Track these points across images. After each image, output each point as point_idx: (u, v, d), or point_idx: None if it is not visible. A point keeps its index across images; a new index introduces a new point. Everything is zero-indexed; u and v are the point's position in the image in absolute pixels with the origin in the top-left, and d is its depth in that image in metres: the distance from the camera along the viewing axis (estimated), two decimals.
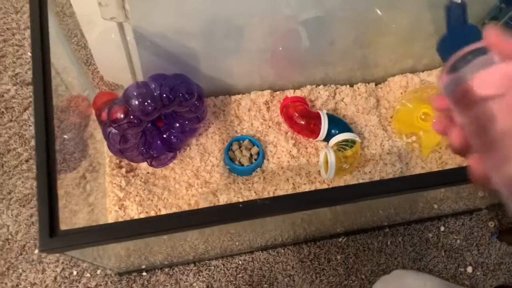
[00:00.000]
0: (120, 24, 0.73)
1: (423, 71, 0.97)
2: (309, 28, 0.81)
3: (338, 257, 0.90)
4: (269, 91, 0.91)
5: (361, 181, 0.83)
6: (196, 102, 0.78)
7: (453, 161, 0.91)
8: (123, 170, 0.81)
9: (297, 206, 0.47)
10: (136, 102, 0.71)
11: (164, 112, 0.75)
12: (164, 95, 0.72)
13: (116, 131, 0.74)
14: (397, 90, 0.95)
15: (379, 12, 0.81)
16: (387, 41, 0.89)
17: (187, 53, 0.77)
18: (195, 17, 0.71)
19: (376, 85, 0.97)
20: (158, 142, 0.82)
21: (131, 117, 0.72)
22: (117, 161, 0.82)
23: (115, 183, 0.79)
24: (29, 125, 0.91)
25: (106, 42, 0.79)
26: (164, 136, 0.82)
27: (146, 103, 0.71)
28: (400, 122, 0.92)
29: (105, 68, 0.90)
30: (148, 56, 0.76)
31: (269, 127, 0.88)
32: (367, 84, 0.96)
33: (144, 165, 0.83)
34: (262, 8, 0.74)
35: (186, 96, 0.75)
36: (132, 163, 0.84)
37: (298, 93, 0.92)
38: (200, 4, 0.69)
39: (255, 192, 0.82)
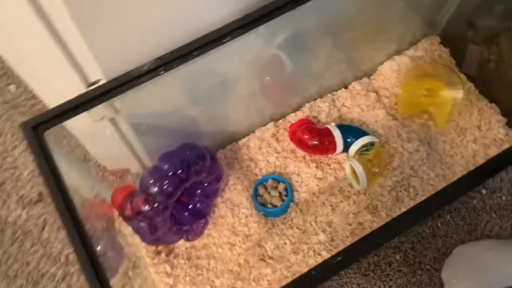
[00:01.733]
0: (111, 119, 0.71)
1: (408, 49, 0.96)
2: (287, 50, 0.80)
3: (397, 257, 0.88)
4: (271, 123, 0.90)
5: (394, 178, 0.82)
6: (210, 164, 0.76)
7: (470, 123, 0.89)
8: (163, 254, 0.79)
9: (370, 247, 0.45)
10: (156, 189, 0.69)
11: (185, 187, 0.73)
12: (179, 171, 0.70)
13: (144, 223, 0.72)
14: (391, 75, 0.94)
15: (347, 10, 0.80)
16: (365, 33, 0.88)
17: (184, 121, 0.76)
18: (180, 90, 0.70)
19: (369, 78, 0.96)
20: (186, 214, 0.80)
21: (155, 204, 0.70)
22: (153, 248, 0.80)
23: (160, 272, 0.77)
24: (53, 242, 0.89)
25: (102, 139, 0.77)
26: (190, 206, 0.80)
27: (165, 186, 0.69)
28: (406, 105, 0.91)
29: (107, 160, 0.87)
30: (149, 138, 0.74)
31: (285, 157, 0.87)
32: (360, 80, 0.95)
33: (181, 242, 0.81)
34: (235, 49, 0.72)
35: (199, 162, 0.73)
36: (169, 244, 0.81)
37: (299, 114, 0.91)
38: (178, 79, 0.67)
39: (297, 228, 0.80)
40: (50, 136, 0.77)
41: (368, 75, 0.96)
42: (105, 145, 0.79)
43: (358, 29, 0.86)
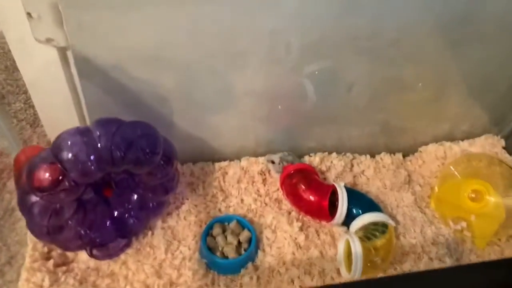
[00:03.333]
0: (61, 50, 0.53)
1: (462, 140, 0.76)
2: (317, 82, 0.63)
3: None
4: (265, 157, 0.69)
5: None
6: (162, 163, 0.55)
7: None
8: (51, 263, 0.55)
9: None
10: (69, 156, 0.48)
11: (114, 172, 0.52)
12: (113, 148, 0.49)
13: (43, 201, 0.50)
14: (433, 162, 0.74)
15: (401, 64, 0.63)
16: (413, 100, 0.70)
17: (156, 100, 0.57)
18: (168, 45, 0.52)
19: (404, 157, 0.75)
20: (108, 222, 0.57)
21: (60, 177, 0.48)
22: (45, 249, 0.57)
23: (33, 282, 0.53)
24: None
25: (47, 81, 0.58)
26: (115, 213, 0.58)
27: (84, 158, 0.48)
28: (442, 203, 0.69)
29: (50, 122, 0.68)
30: (97, 96, 0.55)
31: (266, 204, 0.65)
32: (392, 155, 0.74)
33: (84, 257, 0.57)
34: (259, 47, 0.56)
35: (147, 152, 0.52)
36: (67, 253, 0.58)
37: (304, 160, 0.70)
38: (176, 28, 0.50)
39: None
40: None
41: (404, 154, 0.75)
42: (49, 94, 0.60)
43: (410, 93, 0.69)
